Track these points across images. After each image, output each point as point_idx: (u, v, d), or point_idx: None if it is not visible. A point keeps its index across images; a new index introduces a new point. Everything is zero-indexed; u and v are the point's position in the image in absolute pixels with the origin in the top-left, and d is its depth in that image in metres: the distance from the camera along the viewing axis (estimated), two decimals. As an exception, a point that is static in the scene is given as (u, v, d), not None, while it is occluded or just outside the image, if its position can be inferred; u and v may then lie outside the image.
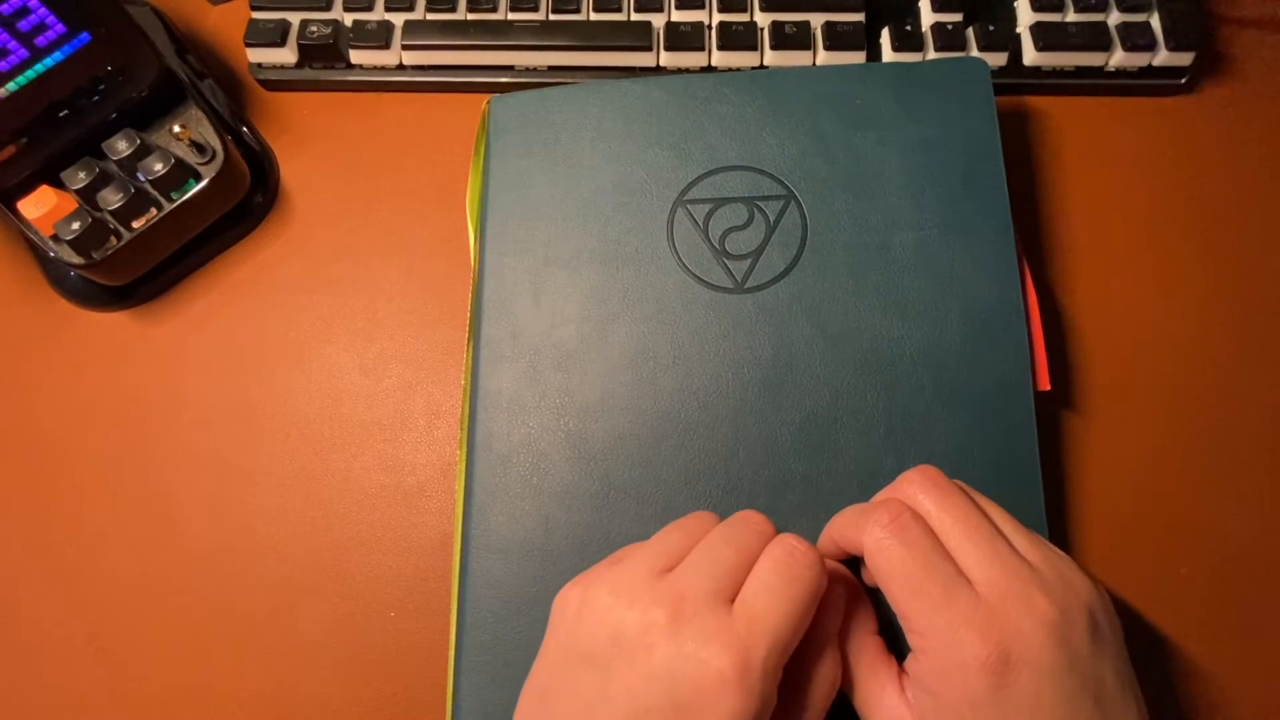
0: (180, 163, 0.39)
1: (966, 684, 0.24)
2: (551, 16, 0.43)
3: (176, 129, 0.39)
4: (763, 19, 0.43)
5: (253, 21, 0.44)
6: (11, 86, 0.36)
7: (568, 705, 0.26)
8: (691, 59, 0.43)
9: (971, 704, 0.24)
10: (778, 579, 0.25)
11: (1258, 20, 0.44)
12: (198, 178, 0.39)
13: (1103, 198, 0.41)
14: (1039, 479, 0.33)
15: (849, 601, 0.29)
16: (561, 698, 0.26)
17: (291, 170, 0.44)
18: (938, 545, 0.26)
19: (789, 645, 0.25)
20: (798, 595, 0.25)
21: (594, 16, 0.43)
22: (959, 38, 0.42)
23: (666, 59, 0.43)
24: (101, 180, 0.38)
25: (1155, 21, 0.42)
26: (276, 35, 0.43)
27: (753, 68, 0.42)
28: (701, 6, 0.43)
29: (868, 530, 0.27)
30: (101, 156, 0.38)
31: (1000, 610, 0.25)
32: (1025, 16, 0.43)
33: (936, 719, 0.25)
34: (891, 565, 0.26)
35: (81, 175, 0.37)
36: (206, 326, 0.41)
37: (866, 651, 0.28)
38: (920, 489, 0.28)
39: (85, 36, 0.37)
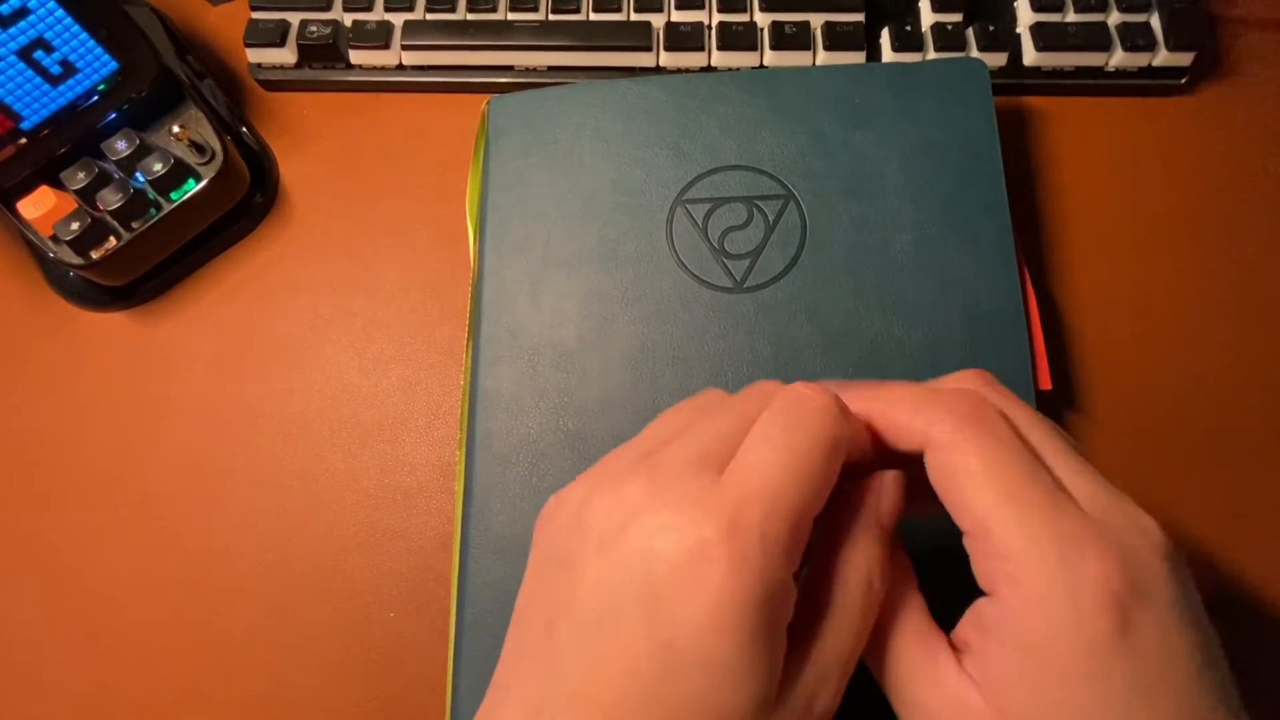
0: (180, 163, 0.39)
1: (1081, 625, 0.17)
2: (551, 16, 0.43)
3: (176, 129, 0.39)
4: (763, 19, 0.43)
5: (252, 21, 0.44)
6: (11, 87, 0.36)
7: (536, 618, 0.21)
8: (691, 59, 0.43)
9: (1087, 653, 0.17)
10: (777, 427, 0.20)
11: (1258, 20, 0.44)
12: (197, 178, 0.39)
13: (1102, 198, 0.41)
14: (1039, 479, 0.33)
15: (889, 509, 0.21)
16: (532, 614, 0.21)
17: (291, 170, 0.44)
18: (1029, 447, 0.20)
19: (798, 510, 0.19)
20: (803, 443, 0.19)
21: (594, 16, 0.43)
22: (959, 38, 0.42)
23: (666, 59, 0.43)
24: (101, 180, 0.38)
25: (1155, 21, 0.42)
26: (276, 35, 0.43)
27: (752, 68, 0.42)
28: (701, 6, 0.43)
29: (939, 418, 0.20)
30: (101, 156, 0.38)
31: (1112, 529, 0.19)
32: (1025, 16, 0.43)
33: (1024, 695, 0.18)
34: (979, 462, 0.19)
35: (81, 175, 0.37)
36: (206, 326, 0.41)
37: (909, 612, 0.21)
38: (986, 385, 0.22)
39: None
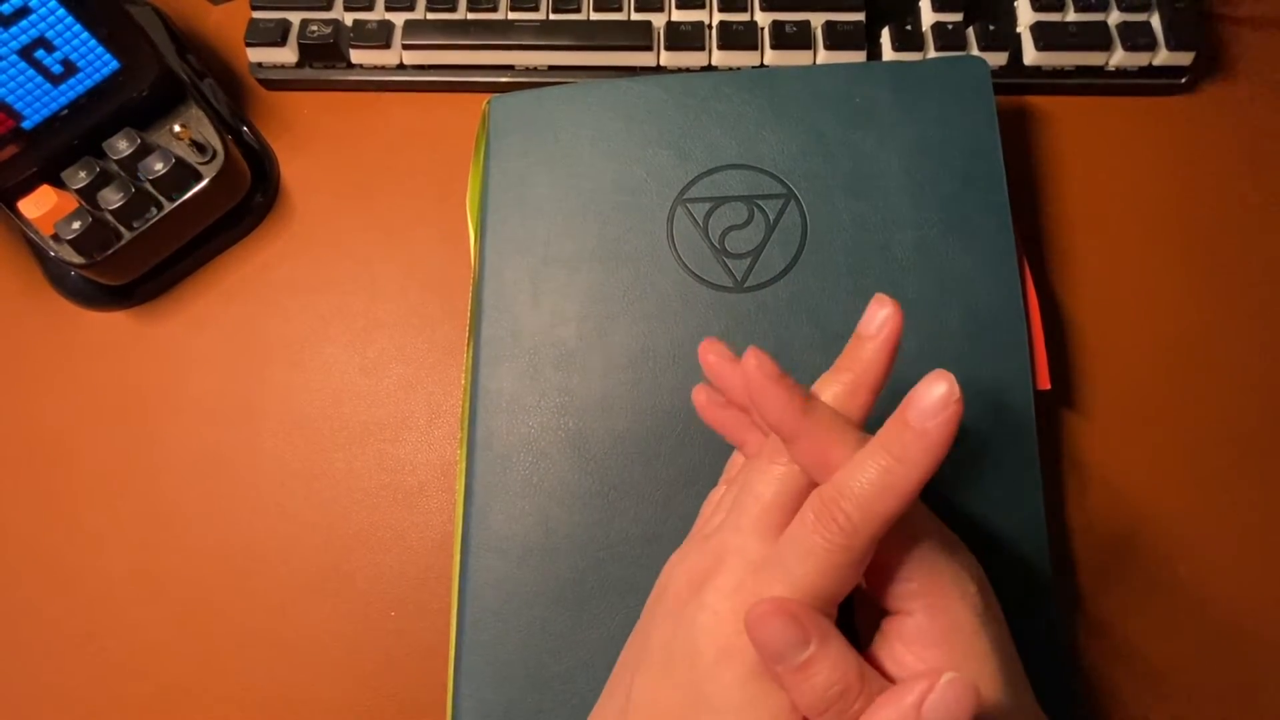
0: (181, 162, 0.39)
1: (971, 614, 0.24)
2: (551, 16, 0.43)
3: (177, 129, 0.39)
4: (763, 18, 0.43)
5: (253, 21, 0.44)
6: (12, 86, 0.36)
7: (629, 664, 0.26)
8: (691, 59, 0.43)
9: (976, 626, 0.24)
10: (793, 558, 0.23)
11: (1258, 20, 0.44)
12: (198, 177, 0.39)
13: (1103, 198, 0.41)
14: (1039, 479, 0.33)
15: None
16: (629, 655, 0.27)
17: (291, 170, 0.44)
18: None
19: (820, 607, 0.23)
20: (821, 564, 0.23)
21: (594, 16, 0.43)
22: (959, 37, 0.42)
23: (666, 59, 0.43)
24: (102, 180, 0.38)
25: (1155, 21, 0.42)
26: (277, 35, 0.43)
27: (753, 67, 0.42)
28: (701, 6, 0.43)
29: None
30: (102, 156, 0.38)
31: (969, 558, 0.26)
32: (1025, 16, 0.43)
33: (951, 661, 0.23)
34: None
35: (82, 175, 0.37)
36: (206, 326, 0.41)
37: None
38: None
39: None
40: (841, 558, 0.22)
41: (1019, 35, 0.43)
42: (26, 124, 0.36)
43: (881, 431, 0.22)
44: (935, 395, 0.21)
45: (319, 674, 0.36)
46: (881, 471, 0.21)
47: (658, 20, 0.43)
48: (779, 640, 0.21)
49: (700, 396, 0.29)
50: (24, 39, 0.34)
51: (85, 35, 0.35)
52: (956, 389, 0.21)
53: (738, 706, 0.22)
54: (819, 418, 0.23)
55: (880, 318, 0.25)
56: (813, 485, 0.23)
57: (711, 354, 0.27)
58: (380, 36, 0.43)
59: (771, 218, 0.36)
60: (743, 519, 0.24)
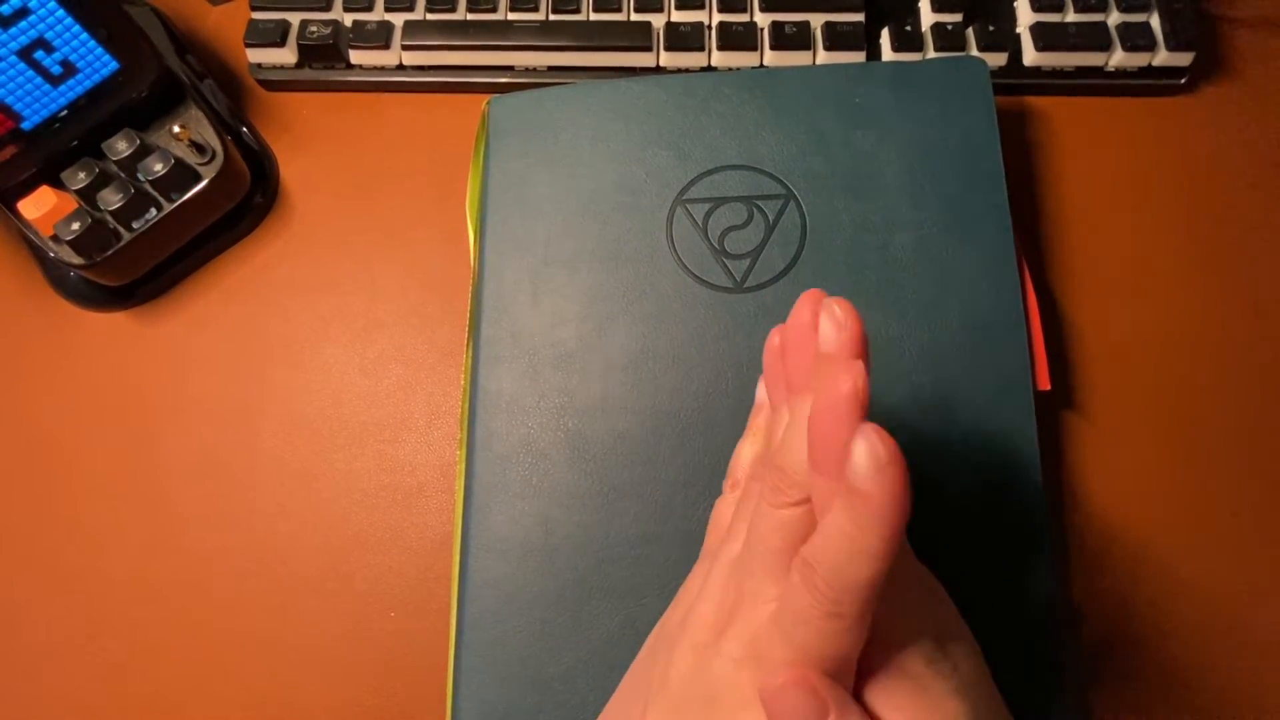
0: (180, 163, 0.39)
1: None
2: (551, 16, 0.43)
3: (176, 129, 0.39)
4: (763, 19, 0.43)
5: (253, 22, 0.44)
6: (11, 87, 0.36)
7: (639, 691, 0.26)
8: (691, 59, 0.43)
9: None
10: (802, 614, 0.22)
11: (1258, 20, 0.44)
12: (198, 178, 0.39)
13: (1103, 198, 0.41)
14: (1039, 479, 0.33)
15: None
16: (638, 680, 0.26)
17: (291, 170, 0.44)
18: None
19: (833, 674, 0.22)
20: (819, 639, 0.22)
21: (594, 16, 0.43)
22: (959, 38, 0.42)
23: (666, 59, 0.43)
24: (101, 180, 0.38)
25: (1155, 21, 0.42)
26: (276, 35, 0.43)
27: (752, 68, 0.42)
28: (701, 6, 0.43)
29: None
30: (101, 157, 0.38)
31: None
32: (1025, 16, 0.43)
33: None
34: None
35: (81, 175, 0.38)
36: (206, 326, 0.41)
37: None
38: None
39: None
40: (835, 624, 0.21)
41: (1019, 35, 0.43)
42: (26, 125, 0.36)
43: (839, 496, 0.21)
44: (861, 456, 0.20)
45: (319, 674, 0.36)
46: (845, 539, 0.20)
47: (657, 21, 0.43)
48: (797, 714, 0.21)
49: (775, 339, 0.28)
50: (23, 40, 0.34)
51: (85, 36, 0.35)
52: (883, 444, 0.19)
53: None
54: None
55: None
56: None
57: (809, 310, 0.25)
58: (380, 37, 0.43)
59: (771, 218, 0.36)
60: (755, 564, 0.24)
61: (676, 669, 0.24)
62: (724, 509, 0.29)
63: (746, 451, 0.30)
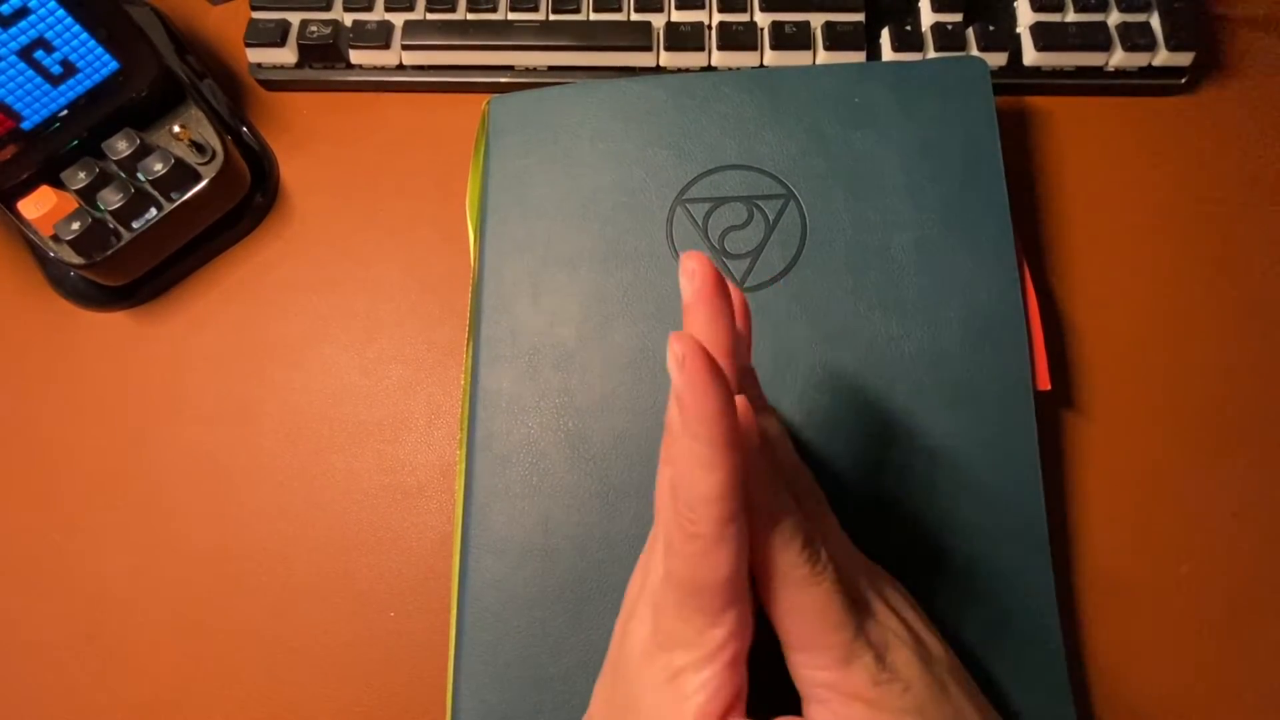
0: (180, 163, 0.39)
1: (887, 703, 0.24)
2: (551, 16, 0.43)
3: (176, 129, 0.39)
4: (763, 19, 0.43)
5: (253, 21, 0.44)
6: (11, 86, 0.36)
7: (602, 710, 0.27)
8: (691, 59, 0.43)
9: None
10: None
11: (1258, 20, 0.44)
12: (198, 178, 0.39)
13: (1103, 198, 0.41)
14: (1039, 479, 0.33)
15: None
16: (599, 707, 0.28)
17: (291, 170, 0.44)
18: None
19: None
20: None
21: (594, 16, 0.43)
22: (959, 38, 0.42)
23: (666, 59, 0.43)
24: (101, 180, 0.38)
25: (1155, 21, 0.42)
26: (276, 35, 0.43)
27: (752, 67, 0.42)
28: (701, 6, 0.43)
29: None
30: (101, 156, 0.38)
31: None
32: (1025, 16, 0.43)
33: None
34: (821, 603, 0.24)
35: (81, 175, 0.37)
36: (206, 326, 0.41)
37: None
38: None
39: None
40: (695, 545, 0.21)
41: (1019, 35, 0.43)
42: (26, 124, 0.36)
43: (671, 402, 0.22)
44: (669, 361, 0.21)
45: (318, 674, 0.36)
46: (685, 453, 0.21)
47: (657, 21, 0.43)
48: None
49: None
50: (23, 39, 0.34)
51: (84, 36, 0.35)
52: (680, 342, 0.21)
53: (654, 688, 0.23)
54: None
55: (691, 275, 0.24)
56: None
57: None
58: (380, 37, 0.43)
59: (771, 218, 0.36)
60: (658, 522, 0.25)
61: (613, 644, 0.26)
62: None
63: None
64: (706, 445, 0.21)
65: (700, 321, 0.24)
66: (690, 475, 0.21)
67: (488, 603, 0.33)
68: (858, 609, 0.24)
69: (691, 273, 0.24)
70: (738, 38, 0.42)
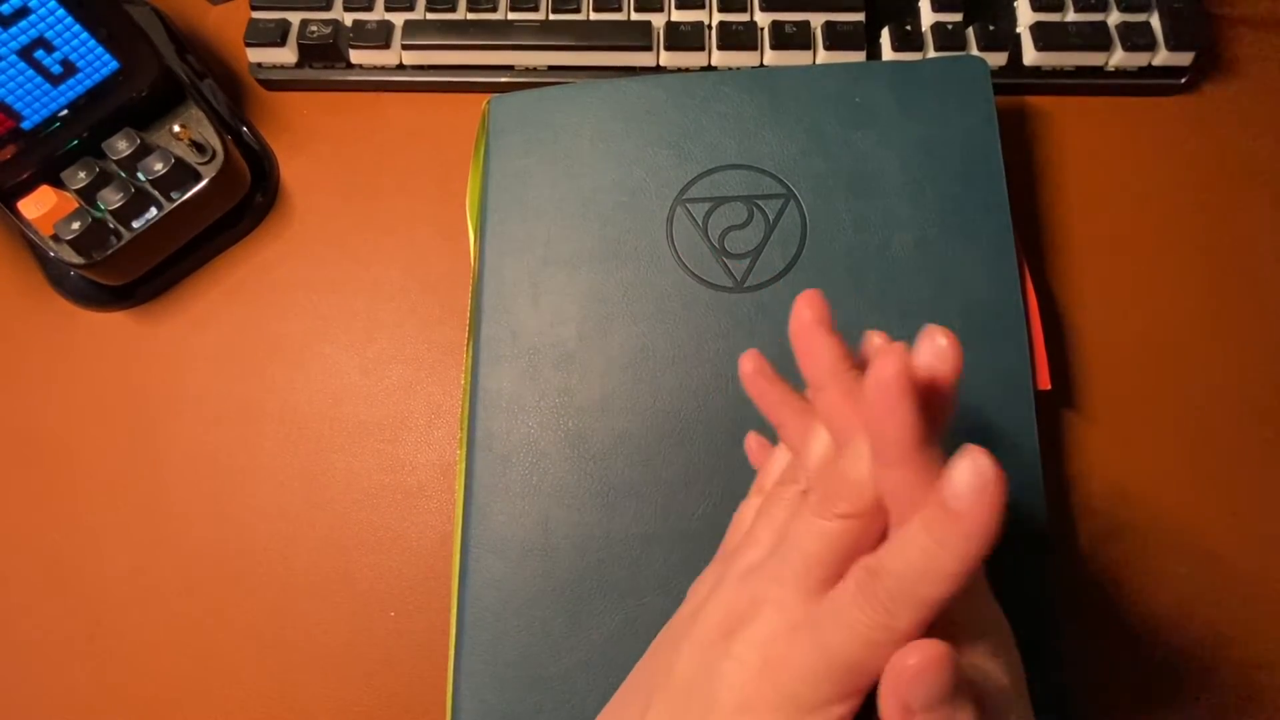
0: (180, 163, 0.39)
1: None
2: (551, 16, 0.43)
3: (176, 129, 0.39)
4: (763, 19, 0.43)
5: (253, 21, 0.44)
6: (12, 86, 0.36)
7: (643, 684, 0.26)
8: (691, 59, 0.43)
9: None
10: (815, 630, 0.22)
11: (1258, 20, 0.44)
12: (198, 178, 0.39)
13: (1103, 198, 0.41)
14: (1039, 479, 0.33)
15: None
16: (643, 676, 0.26)
17: (291, 170, 0.44)
18: None
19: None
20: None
21: (594, 16, 0.43)
22: (959, 37, 0.42)
23: (666, 59, 0.43)
24: (101, 180, 0.38)
25: (1155, 21, 0.42)
26: (276, 35, 0.43)
27: (752, 67, 0.42)
28: (701, 6, 0.43)
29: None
30: (101, 156, 0.38)
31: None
32: (1025, 16, 0.43)
33: None
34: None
35: (81, 175, 0.37)
36: (206, 326, 0.41)
37: None
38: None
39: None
40: (881, 635, 0.20)
41: (1019, 35, 0.43)
42: (26, 124, 0.36)
43: (925, 509, 0.20)
44: (965, 474, 0.19)
45: (319, 674, 0.36)
46: (922, 554, 0.19)
47: (657, 20, 0.43)
48: (940, 692, 0.19)
49: (748, 365, 0.28)
50: (24, 39, 0.34)
51: (85, 35, 0.35)
52: (991, 465, 0.19)
53: None
54: (849, 377, 0.23)
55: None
56: (863, 546, 0.22)
57: (806, 312, 0.25)
58: (380, 37, 0.43)
59: (771, 218, 0.36)
60: (785, 570, 0.23)
61: (681, 667, 0.24)
62: (746, 513, 0.29)
63: (778, 460, 0.29)
64: (958, 562, 0.19)
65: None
66: (921, 579, 0.20)
67: (488, 602, 0.33)
68: None
69: (943, 354, 0.22)
70: (738, 37, 0.42)
